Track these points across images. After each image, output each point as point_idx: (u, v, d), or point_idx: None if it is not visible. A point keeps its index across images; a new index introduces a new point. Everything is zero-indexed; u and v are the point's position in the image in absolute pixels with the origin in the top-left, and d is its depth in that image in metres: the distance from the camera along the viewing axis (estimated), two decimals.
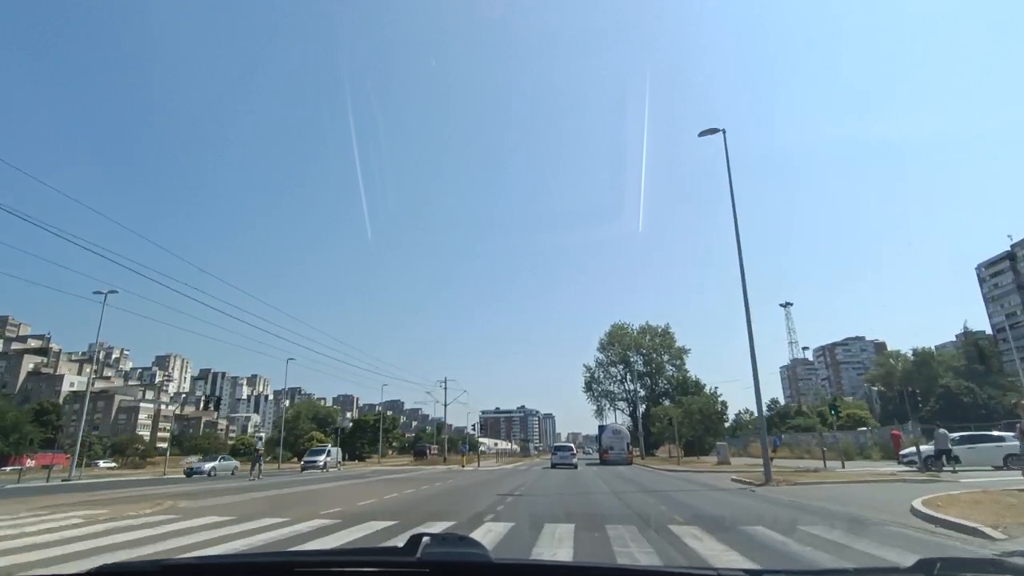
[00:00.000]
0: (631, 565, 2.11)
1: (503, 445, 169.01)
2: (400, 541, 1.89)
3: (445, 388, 43.04)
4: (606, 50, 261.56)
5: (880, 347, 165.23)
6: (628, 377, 70.03)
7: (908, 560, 1.80)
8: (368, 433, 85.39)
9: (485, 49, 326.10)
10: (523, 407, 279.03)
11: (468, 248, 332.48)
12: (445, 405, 43.12)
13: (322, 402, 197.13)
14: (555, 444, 51.50)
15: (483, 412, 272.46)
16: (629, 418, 70.54)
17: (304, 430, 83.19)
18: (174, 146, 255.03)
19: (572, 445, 45.69)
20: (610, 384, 71.36)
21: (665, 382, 66.86)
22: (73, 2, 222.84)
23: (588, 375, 71.68)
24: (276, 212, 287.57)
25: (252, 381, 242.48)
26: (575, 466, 35.25)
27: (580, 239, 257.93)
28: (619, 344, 68.82)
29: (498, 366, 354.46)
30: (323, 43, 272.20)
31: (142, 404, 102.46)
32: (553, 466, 35.17)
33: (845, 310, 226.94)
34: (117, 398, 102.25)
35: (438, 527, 8.72)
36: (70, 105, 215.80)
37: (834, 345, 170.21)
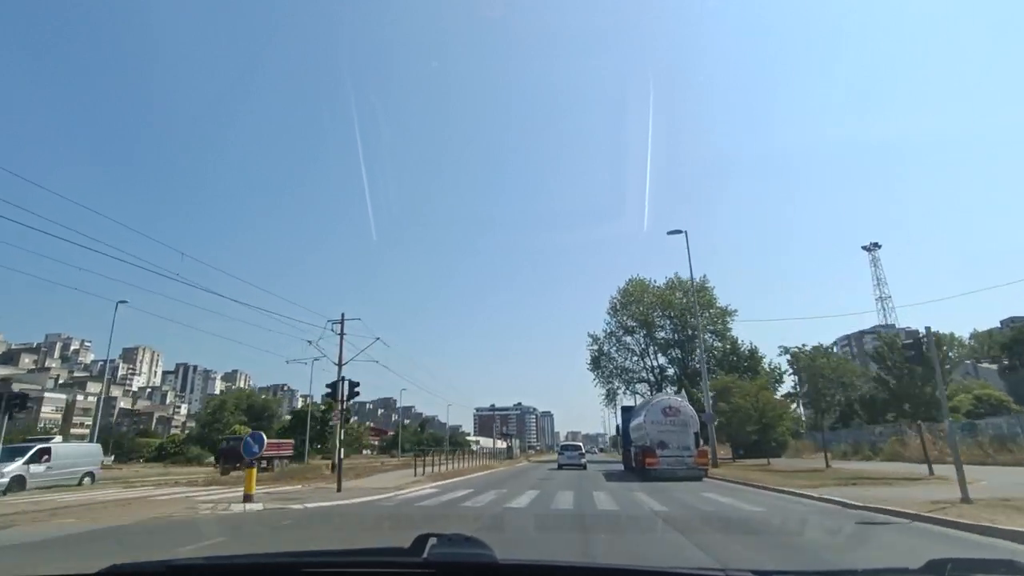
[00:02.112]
0: (639, 565, 1.98)
1: (499, 444, 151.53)
2: None
3: (341, 332, 23.25)
4: (606, 50, 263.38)
5: (912, 336, 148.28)
6: (651, 349, 50.32)
7: None
8: (313, 427, 65.59)
9: (486, 49, 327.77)
10: (520, 404, 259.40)
11: (468, 245, 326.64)
12: (340, 364, 23.25)
13: (307, 399, 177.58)
14: (562, 444, 46.42)
15: (478, 409, 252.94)
16: None
17: (229, 423, 63.54)
18: (174, 146, 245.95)
19: (580, 444, 38.81)
20: (625, 359, 51.71)
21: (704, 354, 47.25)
22: (73, 2, 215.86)
23: (595, 348, 51.98)
24: (276, 212, 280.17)
25: (230, 376, 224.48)
26: (584, 466, 31.07)
27: (581, 238, 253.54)
28: (638, 305, 49.12)
29: (497, 365, 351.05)
30: (323, 43, 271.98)
31: (47, 395, 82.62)
32: (560, 467, 31.13)
33: (847, 310, 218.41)
34: (16, 387, 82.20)
35: None
36: (70, 105, 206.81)
37: (862, 333, 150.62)
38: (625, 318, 50.00)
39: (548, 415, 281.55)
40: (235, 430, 59.98)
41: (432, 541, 1.63)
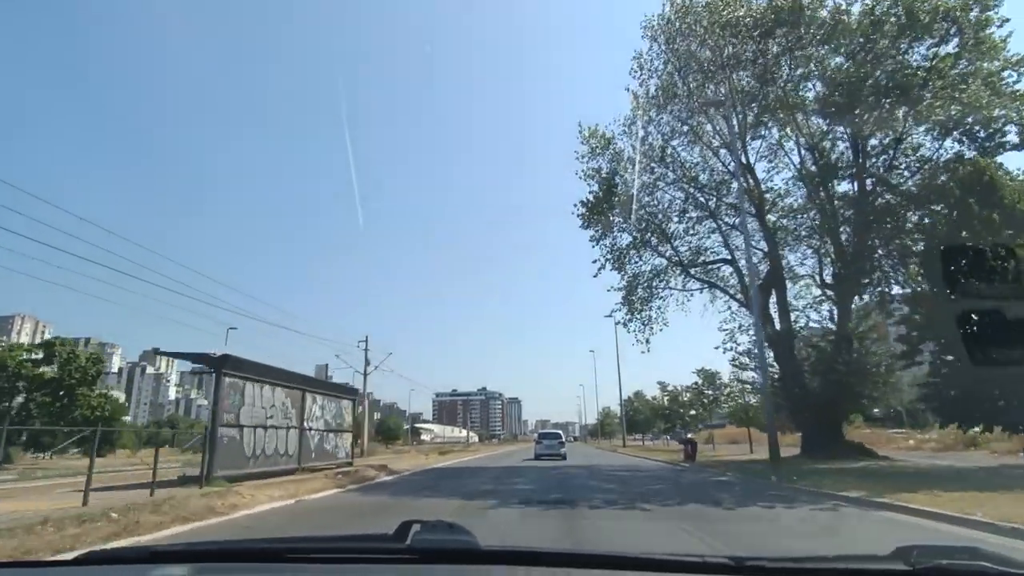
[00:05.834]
0: (618, 552, 1.79)
1: (459, 433, 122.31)
2: None
3: None
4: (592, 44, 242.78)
5: None
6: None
7: None
8: (52, 391, 32.19)
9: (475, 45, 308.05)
10: (484, 389, 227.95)
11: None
12: None
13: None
14: (540, 432, 37.96)
15: (438, 394, 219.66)
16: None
17: None
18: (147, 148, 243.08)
19: (560, 433, 31.42)
20: (677, 190, 20.27)
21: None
22: (74, 4, 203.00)
23: (597, 170, 20.28)
24: (258, 204, 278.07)
25: (147, 356, 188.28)
26: (563, 456, 26.35)
27: (562, 227, 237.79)
28: (722, 31, 17.37)
29: (467, 352, 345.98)
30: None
31: None
32: (537, 457, 26.69)
33: None
34: None
35: None
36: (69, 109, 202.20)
37: None
38: (685, 70, 18.14)
39: (516, 402, 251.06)
40: None
41: (416, 528, 1.64)
